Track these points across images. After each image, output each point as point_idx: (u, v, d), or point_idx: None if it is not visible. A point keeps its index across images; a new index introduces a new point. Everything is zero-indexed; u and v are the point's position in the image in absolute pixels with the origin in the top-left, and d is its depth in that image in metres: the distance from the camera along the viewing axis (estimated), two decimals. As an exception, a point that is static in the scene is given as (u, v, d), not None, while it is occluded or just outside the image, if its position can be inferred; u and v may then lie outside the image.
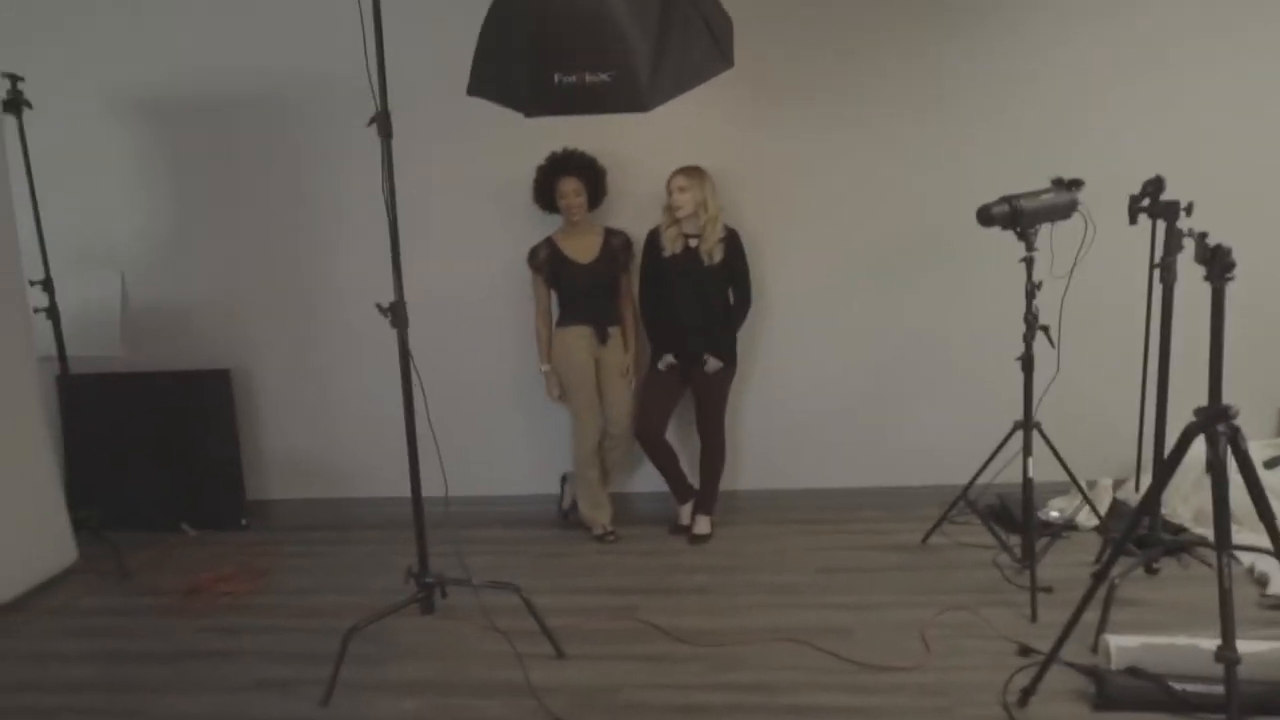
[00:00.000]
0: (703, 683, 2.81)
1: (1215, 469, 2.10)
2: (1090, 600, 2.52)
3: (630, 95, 2.64)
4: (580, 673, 2.90)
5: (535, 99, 2.70)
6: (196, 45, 4.19)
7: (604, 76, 2.61)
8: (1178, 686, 2.51)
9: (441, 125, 4.05)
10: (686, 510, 4.10)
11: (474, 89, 2.85)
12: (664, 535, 4.07)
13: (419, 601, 3.12)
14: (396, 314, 2.92)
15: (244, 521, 4.41)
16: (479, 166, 4.16)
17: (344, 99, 3.90)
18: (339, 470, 4.46)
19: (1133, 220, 3.12)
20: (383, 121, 2.80)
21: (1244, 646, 2.59)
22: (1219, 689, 2.48)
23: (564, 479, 4.31)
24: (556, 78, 2.63)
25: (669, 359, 3.90)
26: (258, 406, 4.48)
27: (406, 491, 3.07)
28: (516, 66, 2.72)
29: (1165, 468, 2.34)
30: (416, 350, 3.13)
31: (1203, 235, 2.16)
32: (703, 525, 4.06)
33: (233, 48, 4.17)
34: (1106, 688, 2.56)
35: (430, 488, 3.18)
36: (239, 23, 4.15)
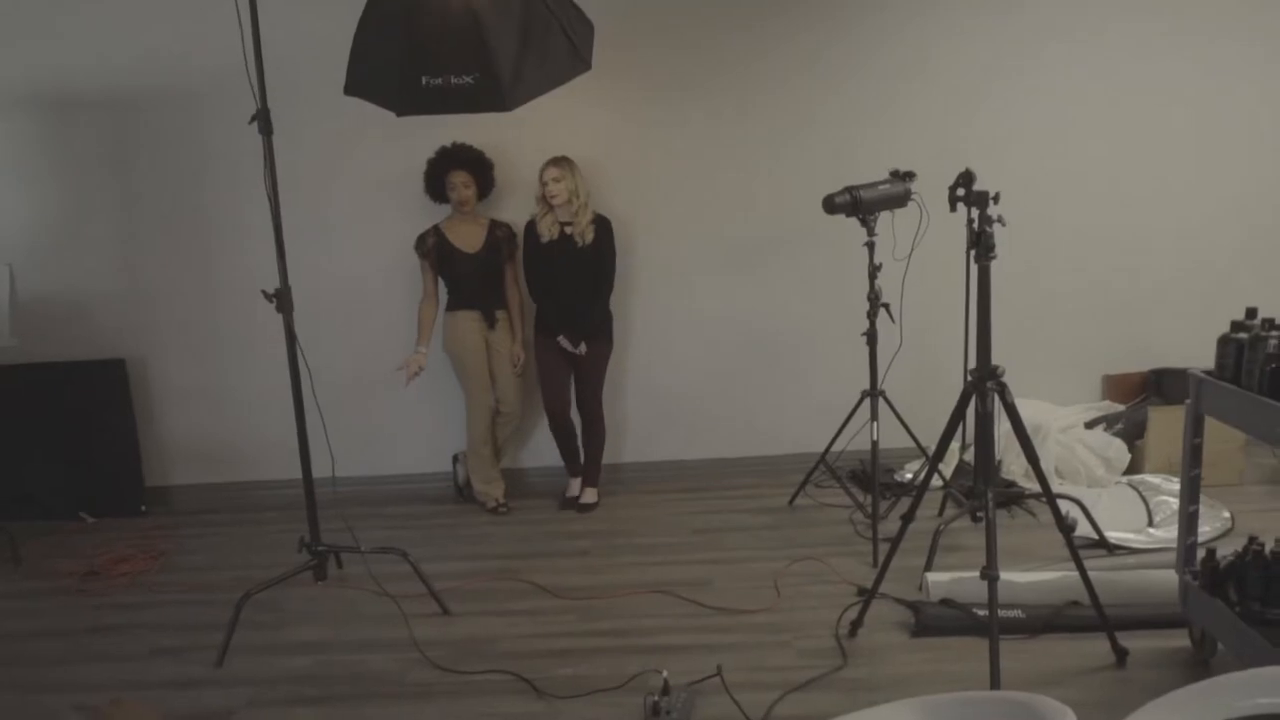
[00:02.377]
0: (573, 630, 3.09)
1: (982, 419, 2.46)
2: (901, 541, 2.88)
3: (492, 96, 2.88)
4: (463, 627, 3.15)
5: (406, 99, 2.92)
6: (85, 37, 4.25)
7: (468, 79, 2.84)
8: (981, 612, 2.89)
9: (335, 117, 4.20)
10: (576, 483, 4.37)
11: (350, 88, 3.05)
12: (554, 507, 4.33)
13: (312, 569, 3.31)
14: (282, 300, 3.10)
15: (143, 508, 4.51)
16: (372, 157, 4.33)
17: (236, 91, 4.02)
18: (237, 454, 4.59)
19: (952, 208, 3.47)
20: (263, 119, 2.97)
21: (1036, 576, 3.02)
22: (1015, 613, 2.89)
23: (455, 458, 4.53)
24: (424, 79, 2.85)
25: (566, 341, 4.09)
26: (155, 394, 4.58)
27: (319, 470, 3.26)
28: (388, 68, 2.92)
29: (951, 422, 2.70)
30: (313, 336, 3.31)
31: (972, 222, 2.50)
32: (589, 496, 4.33)
33: (122, 40, 4.24)
34: (922, 616, 2.93)
35: (328, 468, 3.38)
36: (127, 16, 4.23)
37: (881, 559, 3.43)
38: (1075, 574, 2.92)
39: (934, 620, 2.91)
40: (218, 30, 3.87)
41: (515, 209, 4.31)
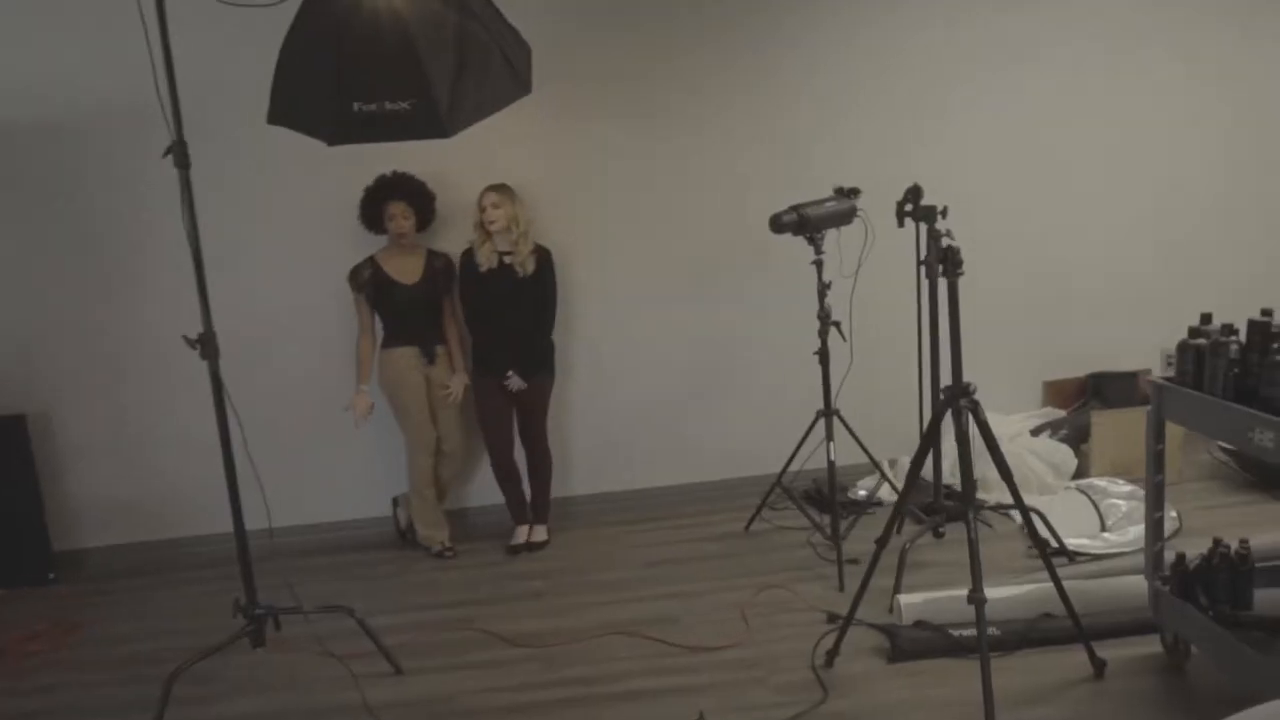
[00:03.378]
0: (536, 681, 2.93)
1: (960, 437, 2.41)
2: (876, 565, 2.81)
3: (430, 123, 2.73)
4: (417, 687, 2.95)
5: (336, 127, 2.74)
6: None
7: (403, 104, 2.69)
8: (956, 633, 2.84)
9: (259, 148, 3.97)
10: (523, 530, 4.16)
11: (274, 117, 2.85)
12: (501, 549, 4.14)
13: (249, 635, 3.06)
14: (206, 345, 2.88)
15: (51, 575, 4.14)
16: (299, 190, 4.11)
17: (152, 122, 3.75)
18: (159, 511, 4.27)
19: (900, 224, 3.49)
20: (179, 152, 2.76)
21: (1005, 591, 2.98)
22: (990, 630, 2.84)
23: (395, 501, 4.31)
24: (357, 106, 2.68)
25: (517, 380, 3.94)
26: (60, 451, 4.23)
27: (231, 526, 3.02)
28: (316, 95, 2.75)
29: (925, 441, 2.65)
30: (239, 380, 3.07)
31: (938, 237, 2.47)
32: (540, 533, 4.16)
33: (25, 64, 3.92)
34: (898, 641, 2.87)
35: (259, 519, 3.14)
36: (30, 38, 3.91)
37: (846, 581, 3.40)
38: (1043, 586, 2.91)
39: (910, 644, 2.85)
40: (130, 57, 3.62)
41: (453, 240, 4.13)
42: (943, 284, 2.61)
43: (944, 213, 3.31)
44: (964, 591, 2.89)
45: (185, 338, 2.86)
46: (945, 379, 3.41)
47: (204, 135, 3.61)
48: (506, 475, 4.12)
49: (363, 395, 3.95)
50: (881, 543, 2.76)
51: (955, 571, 3.42)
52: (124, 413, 4.21)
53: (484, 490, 4.40)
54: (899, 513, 2.76)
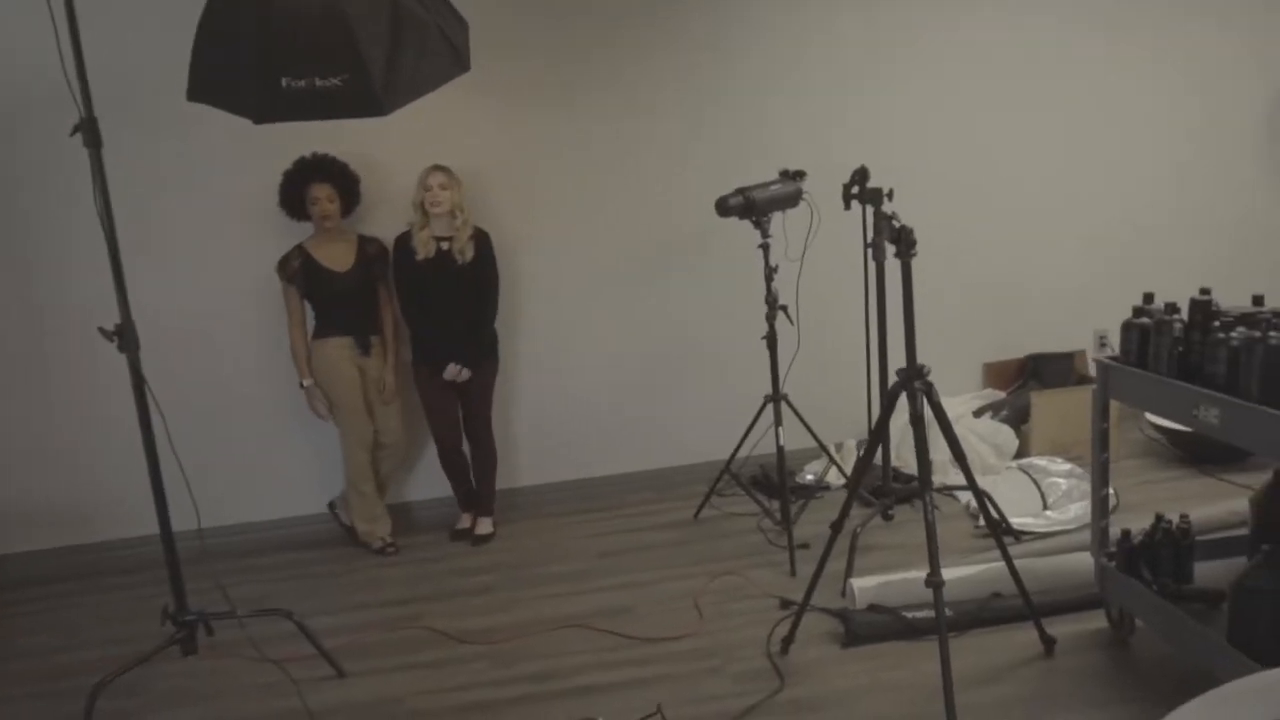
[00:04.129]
0: (487, 679, 2.84)
1: (915, 420, 2.40)
2: (831, 550, 2.79)
3: (364, 99, 2.58)
4: (362, 690, 2.84)
5: (263, 104, 2.58)
6: None
7: (335, 80, 2.54)
8: (909, 615, 2.84)
9: (174, 127, 3.76)
10: (468, 516, 4.09)
11: (194, 94, 2.68)
12: (445, 541, 4.03)
13: (178, 643, 2.90)
14: (124, 337, 2.70)
15: (-35, 584, 3.90)
16: (224, 172, 3.91)
17: (64, 98, 3.53)
18: (78, 513, 4.05)
19: (846, 206, 3.47)
20: (88, 130, 2.58)
21: (956, 572, 2.99)
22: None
23: (332, 505, 4.15)
24: (285, 82, 2.52)
25: (454, 369, 3.82)
26: (-32, 454, 3.97)
27: (181, 522, 2.87)
28: (241, 70, 2.58)
29: (879, 424, 2.64)
30: (161, 371, 2.88)
31: (891, 217, 2.44)
32: (484, 526, 4.06)
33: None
34: (853, 625, 2.86)
35: (191, 520, 2.98)
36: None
37: (798, 566, 3.39)
38: (993, 566, 2.93)
39: (865, 628, 2.84)
40: (40, 28, 3.39)
41: (382, 225, 3.98)
42: (894, 266, 2.58)
43: (890, 195, 3.30)
44: (918, 574, 2.91)
45: (101, 329, 2.68)
46: (894, 362, 3.45)
47: (125, 113, 3.43)
48: (453, 466, 4.00)
49: (313, 392, 3.81)
50: (836, 527, 2.73)
51: (905, 554, 3.44)
52: (47, 408, 3.97)
53: (426, 482, 4.28)
54: (851, 496, 2.73)
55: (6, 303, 3.89)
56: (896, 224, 2.39)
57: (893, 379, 2.62)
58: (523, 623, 3.18)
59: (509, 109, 4.11)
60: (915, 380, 2.44)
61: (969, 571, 3.00)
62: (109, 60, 3.18)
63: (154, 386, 2.75)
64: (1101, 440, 2.67)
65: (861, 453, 4.41)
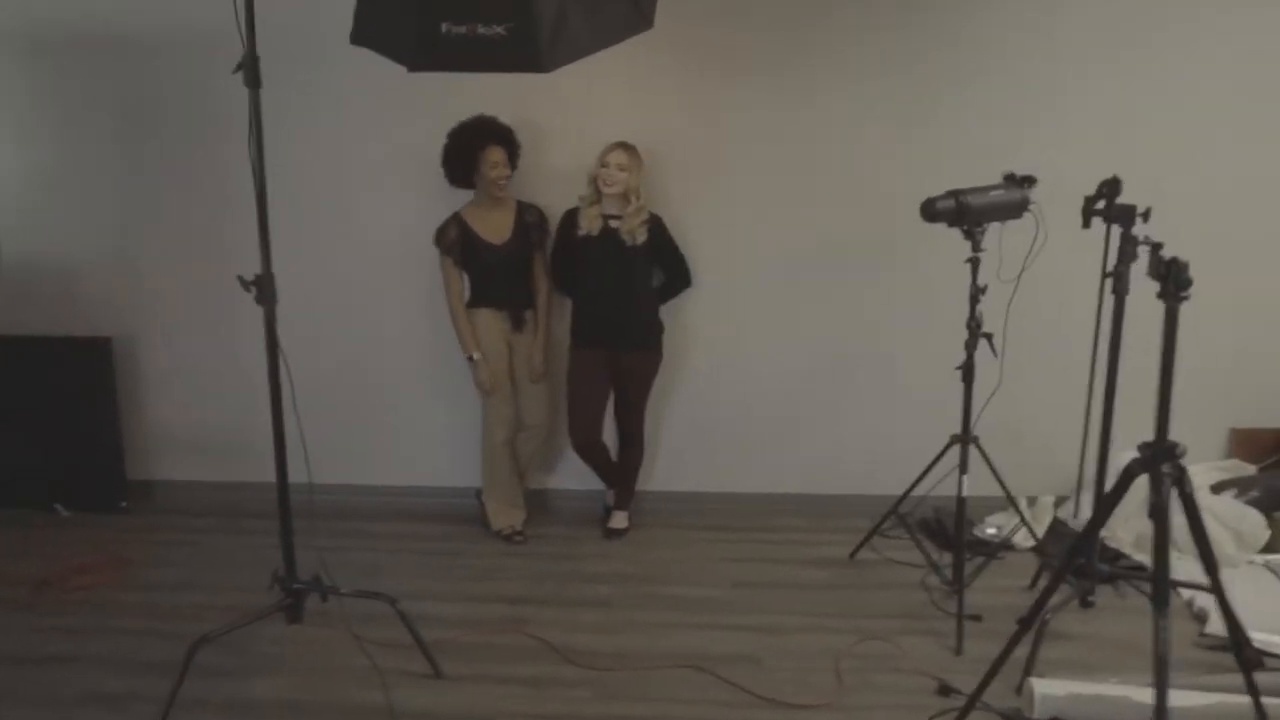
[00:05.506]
0: (587, 713, 2.53)
1: (1158, 514, 1.84)
2: (1017, 643, 2.26)
3: (528, 53, 2.29)
4: (453, 697, 2.61)
5: (419, 51, 2.34)
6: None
7: (499, 29, 2.26)
8: (1104, 743, 2.27)
9: (331, 82, 3.69)
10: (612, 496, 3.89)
11: (357, 37, 2.50)
12: (576, 538, 3.77)
13: (284, 610, 2.79)
14: (262, 289, 2.58)
15: (124, 503, 4.04)
16: (392, 125, 3.79)
17: (269, 49, 3.52)
18: (229, 450, 4.10)
19: (1086, 223, 2.86)
20: (249, 68, 2.44)
21: (1180, 698, 2.37)
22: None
23: (479, 494, 3.91)
24: (445, 26, 2.28)
25: None
26: (143, 377, 4.10)
27: (297, 476, 2.74)
28: (403, 11, 2.37)
29: (1105, 505, 2.09)
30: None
31: (1158, 246, 1.88)
32: (619, 520, 3.82)
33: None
34: (1027, 740, 2.32)
35: (329, 473, 2.85)
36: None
37: (966, 643, 2.86)
38: (1223, 701, 2.30)
39: (1042, 747, 2.30)
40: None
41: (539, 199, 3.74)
42: (1140, 301, 2.01)
43: (1145, 215, 2.67)
44: (1121, 689, 2.34)
45: (240, 278, 2.56)
46: (1122, 421, 2.83)
47: (289, 61, 3.35)
48: (590, 454, 3.74)
49: (481, 366, 3.62)
50: (1026, 623, 2.19)
51: (1103, 651, 2.83)
52: (207, 344, 4.03)
53: (569, 471, 4.03)
54: (1054, 585, 2.16)
55: (187, 235, 3.94)
56: (1163, 255, 1.82)
57: (1119, 442, 2.06)
58: (636, 652, 2.85)
59: (687, 76, 3.71)
60: (1165, 462, 1.87)
61: (1191, 701, 2.38)
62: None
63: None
64: None
65: (1057, 511, 3.79)
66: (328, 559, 2.90)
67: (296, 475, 2.78)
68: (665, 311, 3.76)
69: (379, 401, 4.03)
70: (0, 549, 3.61)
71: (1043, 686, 2.44)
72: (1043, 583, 3.29)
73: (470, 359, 3.64)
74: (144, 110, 3.86)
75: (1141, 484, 2.02)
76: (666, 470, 4.04)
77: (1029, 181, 3.04)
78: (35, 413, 4.00)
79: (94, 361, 3.96)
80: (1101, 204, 2.78)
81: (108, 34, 3.79)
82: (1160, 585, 1.83)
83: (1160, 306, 1.93)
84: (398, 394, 4.02)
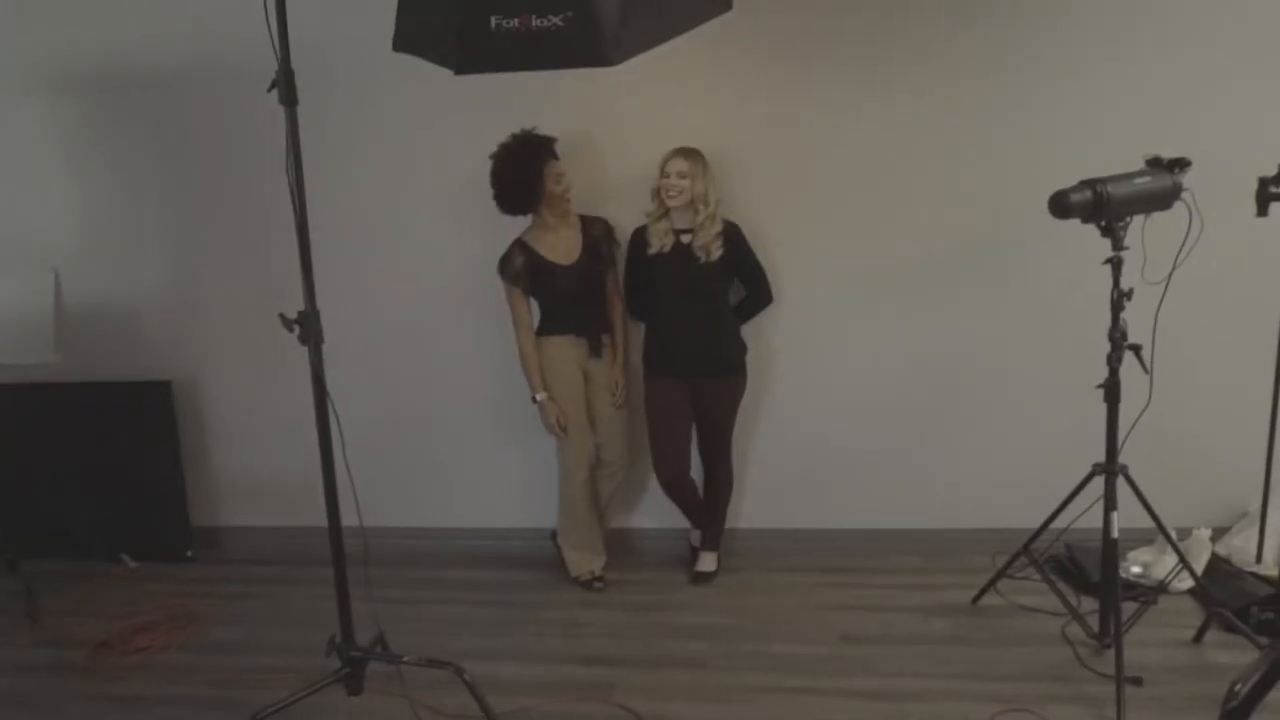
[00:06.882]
0: (683, 808, 2.19)
1: None
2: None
3: (590, 45, 1.97)
4: (530, 783, 2.30)
5: (466, 50, 2.06)
6: (138, 8, 3.61)
7: (555, 19, 1.96)
8: None
9: (370, 101, 3.48)
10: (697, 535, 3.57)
11: (400, 43, 2.24)
12: (661, 583, 3.44)
13: (343, 680, 2.53)
14: (306, 327, 2.34)
15: (190, 553, 3.87)
16: (448, 140, 3.55)
17: (312, 73, 3.33)
18: (294, 495, 3.88)
19: (1262, 210, 2.41)
20: (284, 85, 2.21)
21: None
22: None
23: (554, 536, 3.61)
24: (494, 21, 1.99)
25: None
26: (206, 421, 3.93)
27: (351, 519, 2.57)
28: (448, 8, 2.09)
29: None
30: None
31: None
32: (708, 562, 3.49)
33: (180, 12, 3.59)
34: None
35: (393, 516, 2.60)
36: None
37: (1127, 711, 2.41)
38: None
39: None
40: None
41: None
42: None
43: (1339, 198, 2.21)
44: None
45: (282, 316, 2.32)
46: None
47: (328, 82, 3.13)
48: (678, 491, 3.41)
49: (549, 407, 3.32)
50: (1239, 715, 1.74)
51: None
52: (266, 385, 3.83)
53: (646, 509, 3.70)
54: (1269, 677, 1.71)
55: (245, 276, 3.77)
56: None
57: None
58: (737, 724, 2.50)
59: (763, 68, 3.35)
60: None
61: None
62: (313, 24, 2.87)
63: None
64: None
65: (1215, 547, 3.29)
66: (394, 611, 2.66)
67: (351, 518, 2.54)
68: (747, 330, 3.41)
69: (444, 440, 3.78)
70: (68, 605, 3.46)
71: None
72: (1211, 633, 2.82)
73: (534, 400, 3.35)
74: (204, 145, 3.70)
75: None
76: (756, 505, 3.67)
77: (1181, 165, 2.59)
78: (100, 461, 3.86)
79: (155, 406, 3.81)
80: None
81: (147, 74, 3.64)
82: None
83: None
84: (465, 430, 3.76)
